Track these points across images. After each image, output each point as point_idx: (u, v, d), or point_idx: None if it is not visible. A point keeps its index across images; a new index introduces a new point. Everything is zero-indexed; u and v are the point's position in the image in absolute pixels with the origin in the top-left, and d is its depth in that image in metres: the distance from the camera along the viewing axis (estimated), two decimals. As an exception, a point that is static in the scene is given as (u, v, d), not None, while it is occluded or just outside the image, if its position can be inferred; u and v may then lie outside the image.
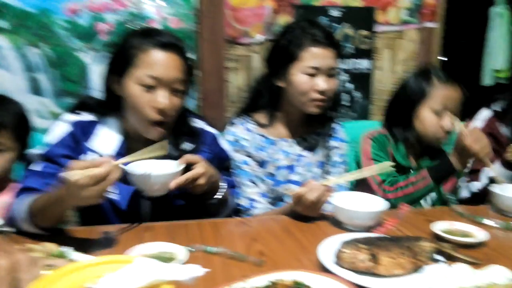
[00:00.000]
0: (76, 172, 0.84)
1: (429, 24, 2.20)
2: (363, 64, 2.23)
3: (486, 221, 1.17)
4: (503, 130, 1.54)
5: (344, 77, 2.22)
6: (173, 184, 1.02)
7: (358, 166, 1.49)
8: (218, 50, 2.00)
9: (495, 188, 1.25)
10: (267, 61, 1.43)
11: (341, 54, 1.37)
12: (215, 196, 1.14)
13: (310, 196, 1.09)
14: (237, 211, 1.36)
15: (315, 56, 1.30)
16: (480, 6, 2.38)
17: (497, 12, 2.26)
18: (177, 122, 1.18)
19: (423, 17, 2.20)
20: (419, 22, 2.21)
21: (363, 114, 2.29)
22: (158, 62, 1.08)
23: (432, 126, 1.39)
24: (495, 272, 0.80)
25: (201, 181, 1.06)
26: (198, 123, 1.28)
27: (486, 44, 2.34)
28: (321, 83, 1.30)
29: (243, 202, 1.36)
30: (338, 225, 1.11)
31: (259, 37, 2.02)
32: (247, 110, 1.47)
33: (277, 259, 0.92)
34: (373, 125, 1.62)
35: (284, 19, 2.04)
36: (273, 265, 0.88)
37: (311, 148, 1.45)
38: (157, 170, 1.02)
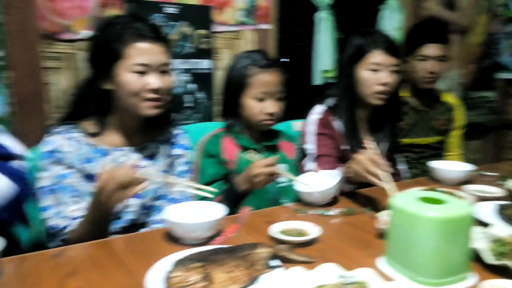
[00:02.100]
0: None
1: (264, 26, 2.27)
2: (204, 64, 2.18)
3: (329, 212, 1.22)
4: (336, 124, 1.65)
5: (186, 77, 2.14)
6: None
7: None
8: (32, 47, 1.70)
9: (297, 185, 1.31)
10: (89, 61, 1.24)
11: (171, 49, 1.27)
12: None
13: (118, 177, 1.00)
14: (52, 234, 1.15)
15: (142, 52, 1.16)
16: (310, 10, 2.57)
17: (321, 16, 2.46)
18: None
19: (258, 18, 2.26)
20: (254, 24, 2.26)
21: (208, 116, 2.24)
22: None
23: (256, 112, 1.44)
24: (326, 270, 0.80)
25: None
26: None
27: (314, 46, 2.54)
28: (153, 80, 1.18)
29: (62, 222, 1.15)
30: (175, 241, 1.01)
31: (85, 32, 1.79)
32: (72, 117, 1.26)
33: (98, 296, 0.77)
34: (218, 126, 1.57)
35: (114, 13, 1.85)
36: (91, 304, 0.73)
37: (151, 157, 1.31)
38: None
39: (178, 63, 2.10)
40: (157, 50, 1.19)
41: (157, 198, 1.30)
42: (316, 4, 2.48)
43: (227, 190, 1.37)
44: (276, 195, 1.48)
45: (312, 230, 1.04)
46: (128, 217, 1.24)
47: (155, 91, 1.18)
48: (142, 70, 1.17)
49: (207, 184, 1.40)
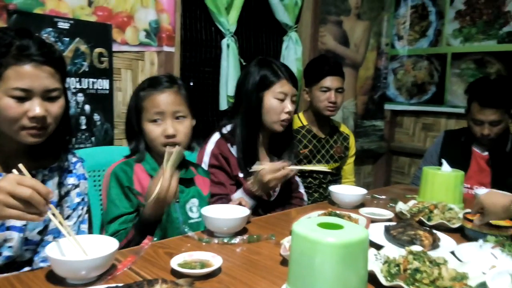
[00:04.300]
0: None
1: (167, 48, 2.22)
2: (101, 84, 2.04)
3: (234, 240, 1.18)
4: (232, 150, 1.65)
5: (81, 97, 1.98)
6: None
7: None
8: None
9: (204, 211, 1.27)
10: None
11: (64, 71, 1.12)
12: None
13: None
14: None
15: (23, 75, 1.00)
16: (216, 36, 2.58)
17: (226, 43, 2.49)
18: None
19: (161, 41, 2.20)
20: (157, 45, 2.20)
21: (106, 139, 2.09)
22: None
23: (156, 136, 1.35)
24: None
25: None
26: None
27: (221, 72, 2.54)
28: (35, 107, 1.02)
29: None
30: (60, 281, 0.89)
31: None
32: None
33: None
34: (117, 151, 1.46)
35: (-3, 25, 1.65)
36: None
37: None
38: None
39: (73, 82, 1.94)
40: (43, 74, 1.04)
41: (46, 232, 1.15)
42: (222, 30, 2.51)
43: (138, 221, 1.26)
44: (185, 230, 1.39)
45: (215, 261, 0.99)
46: (5, 253, 1.07)
47: (36, 119, 1.04)
48: (22, 95, 1.01)
49: (118, 218, 1.29)
